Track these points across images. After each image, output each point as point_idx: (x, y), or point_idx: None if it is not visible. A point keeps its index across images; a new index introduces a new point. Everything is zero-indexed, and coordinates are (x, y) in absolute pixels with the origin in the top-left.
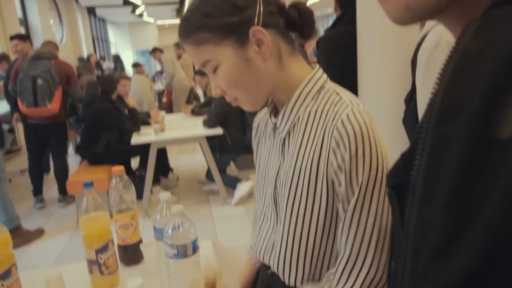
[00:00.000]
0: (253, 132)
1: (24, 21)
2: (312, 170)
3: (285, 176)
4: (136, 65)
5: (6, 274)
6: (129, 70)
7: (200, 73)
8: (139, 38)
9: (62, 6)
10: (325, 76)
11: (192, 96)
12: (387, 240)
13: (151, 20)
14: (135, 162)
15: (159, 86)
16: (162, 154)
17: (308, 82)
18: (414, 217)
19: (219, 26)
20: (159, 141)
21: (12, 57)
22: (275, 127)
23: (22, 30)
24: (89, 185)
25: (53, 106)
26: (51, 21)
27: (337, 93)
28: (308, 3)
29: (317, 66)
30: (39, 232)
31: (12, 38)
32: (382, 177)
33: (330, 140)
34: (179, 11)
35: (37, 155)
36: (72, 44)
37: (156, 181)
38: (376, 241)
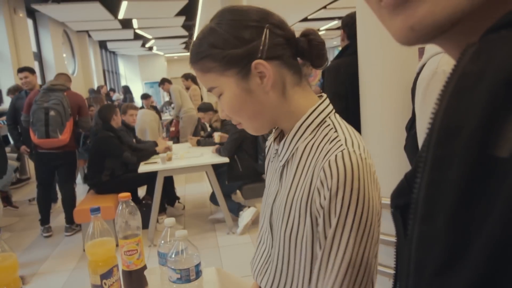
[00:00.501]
0: (266, 149)
1: (38, 55)
2: (302, 205)
3: (280, 205)
4: (145, 97)
5: None
6: (138, 101)
7: (202, 110)
8: (148, 70)
9: (75, 40)
10: (329, 108)
11: (199, 127)
12: (359, 281)
13: (161, 53)
14: (142, 192)
15: (167, 116)
16: (168, 183)
17: (310, 115)
18: (416, 235)
19: (223, 57)
20: (166, 169)
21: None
22: (277, 153)
23: (36, 64)
24: (95, 210)
25: (64, 137)
26: (64, 55)
27: (336, 130)
28: None
29: (324, 96)
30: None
31: (21, 70)
32: (360, 220)
33: (317, 178)
34: (187, 45)
35: (46, 184)
36: (84, 76)
37: (162, 210)
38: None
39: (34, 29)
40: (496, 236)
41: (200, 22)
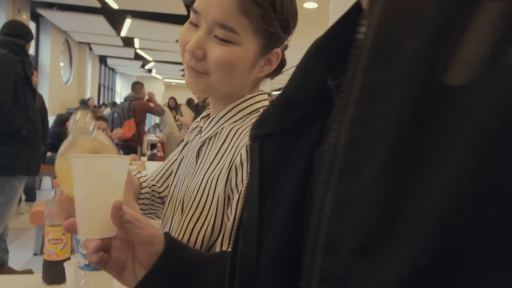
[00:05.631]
0: (186, 136)
1: (35, 58)
2: (218, 180)
3: (196, 184)
4: None
5: None
6: None
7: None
8: None
9: (75, 51)
10: (265, 102)
11: None
12: None
13: (159, 76)
14: None
15: (153, 137)
16: None
17: (245, 101)
18: (332, 196)
19: (270, 25)
20: None
21: None
22: (200, 131)
23: None
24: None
25: (123, 132)
26: (62, 64)
27: None
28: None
29: (264, 91)
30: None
31: None
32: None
33: (238, 157)
34: None
35: None
36: (77, 86)
37: None
38: None
39: (36, 33)
40: (450, 196)
41: None
